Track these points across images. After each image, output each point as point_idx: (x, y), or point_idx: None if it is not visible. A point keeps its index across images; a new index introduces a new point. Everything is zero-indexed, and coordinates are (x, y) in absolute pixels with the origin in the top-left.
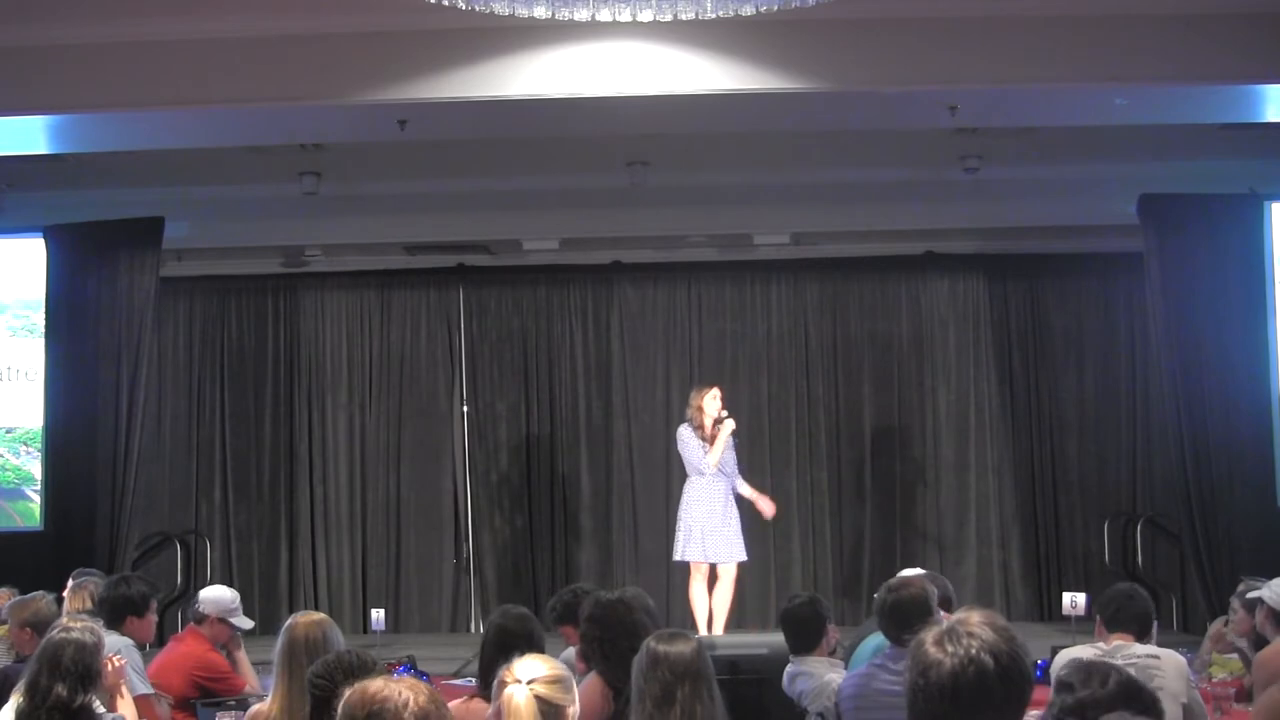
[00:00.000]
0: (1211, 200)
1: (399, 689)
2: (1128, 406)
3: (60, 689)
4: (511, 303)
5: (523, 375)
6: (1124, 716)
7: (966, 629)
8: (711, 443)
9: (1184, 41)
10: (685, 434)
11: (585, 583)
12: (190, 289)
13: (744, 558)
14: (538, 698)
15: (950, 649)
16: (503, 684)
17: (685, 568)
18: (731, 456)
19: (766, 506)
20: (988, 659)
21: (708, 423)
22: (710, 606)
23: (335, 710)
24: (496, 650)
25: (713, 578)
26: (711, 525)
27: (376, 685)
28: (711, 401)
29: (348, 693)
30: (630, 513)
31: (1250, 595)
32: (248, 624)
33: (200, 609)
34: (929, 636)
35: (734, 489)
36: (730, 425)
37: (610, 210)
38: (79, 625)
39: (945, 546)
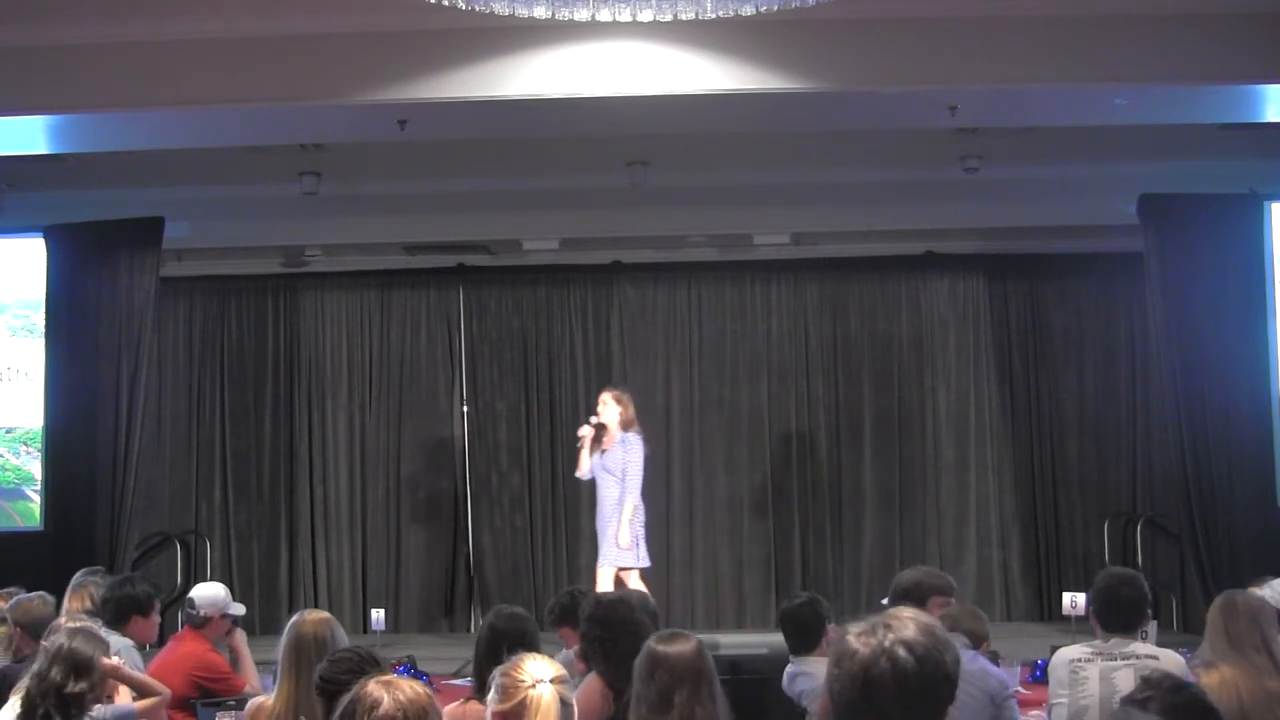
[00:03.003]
0: (1211, 200)
1: (376, 690)
2: (1128, 406)
3: (55, 674)
4: (511, 303)
5: (523, 375)
6: (1129, 713)
7: (887, 622)
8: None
9: (1184, 41)
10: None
11: (585, 584)
12: (190, 289)
13: (626, 565)
14: (560, 697)
15: (867, 639)
16: (518, 684)
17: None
18: (623, 468)
19: (620, 534)
20: (902, 652)
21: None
22: None
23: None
24: (491, 650)
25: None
26: (602, 529)
27: (368, 685)
28: (600, 406)
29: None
30: None
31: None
32: (241, 609)
33: (201, 613)
34: (853, 627)
35: (635, 495)
36: (582, 431)
37: (610, 210)
38: (78, 625)
39: (945, 546)
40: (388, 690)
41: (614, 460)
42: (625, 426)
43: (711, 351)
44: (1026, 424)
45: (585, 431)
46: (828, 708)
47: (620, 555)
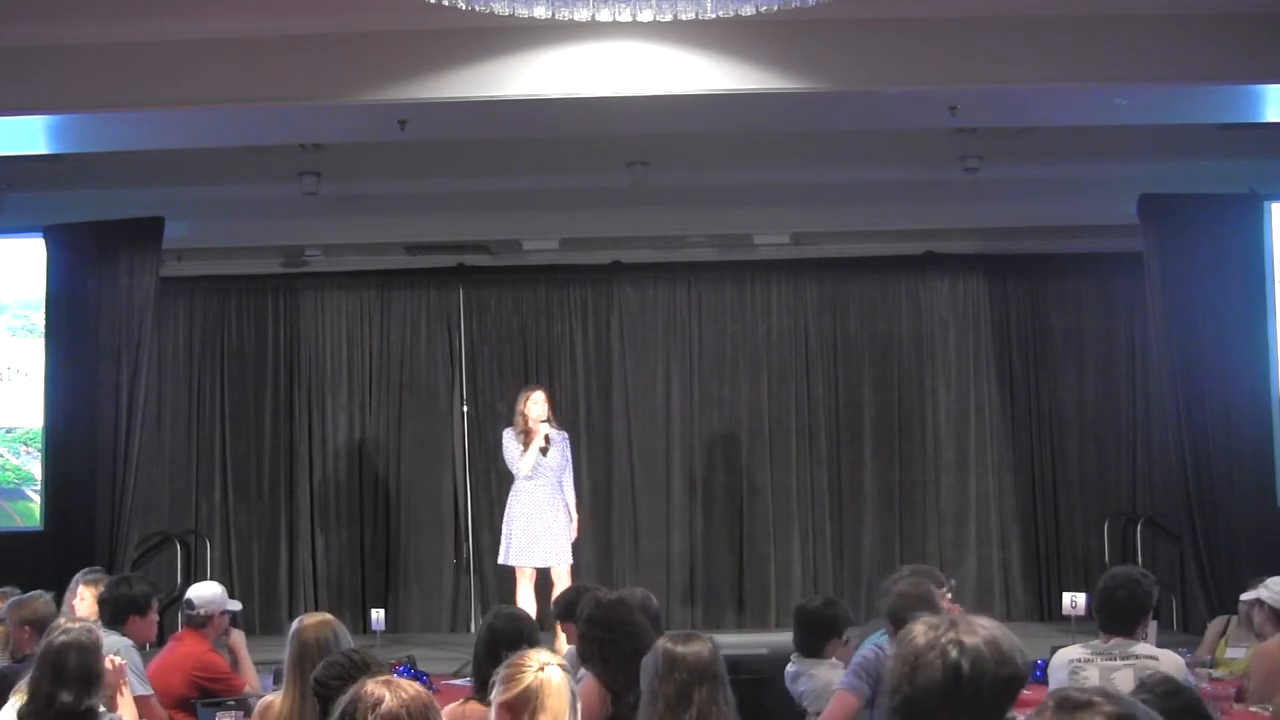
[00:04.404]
0: (1211, 200)
1: (377, 689)
2: (1128, 406)
3: (65, 696)
4: (511, 303)
5: (523, 375)
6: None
7: (957, 622)
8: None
9: (1184, 41)
10: (507, 437)
11: (588, 581)
12: (190, 289)
13: (569, 561)
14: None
15: (931, 634)
16: (523, 669)
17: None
18: (560, 463)
19: (572, 529)
20: (955, 654)
21: (533, 426)
22: (538, 610)
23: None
24: (490, 651)
25: (548, 582)
26: (534, 529)
27: (368, 684)
28: (533, 405)
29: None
30: (630, 513)
31: (1247, 596)
32: (237, 605)
33: (203, 612)
34: (924, 618)
35: (563, 494)
36: (543, 430)
37: (610, 210)
38: (77, 626)
39: (945, 546)
40: (389, 689)
41: (555, 459)
42: (550, 423)
43: (711, 351)
44: (1026, 424)
45: (551, 432)
46: (848, 705)
47: (570, 552)
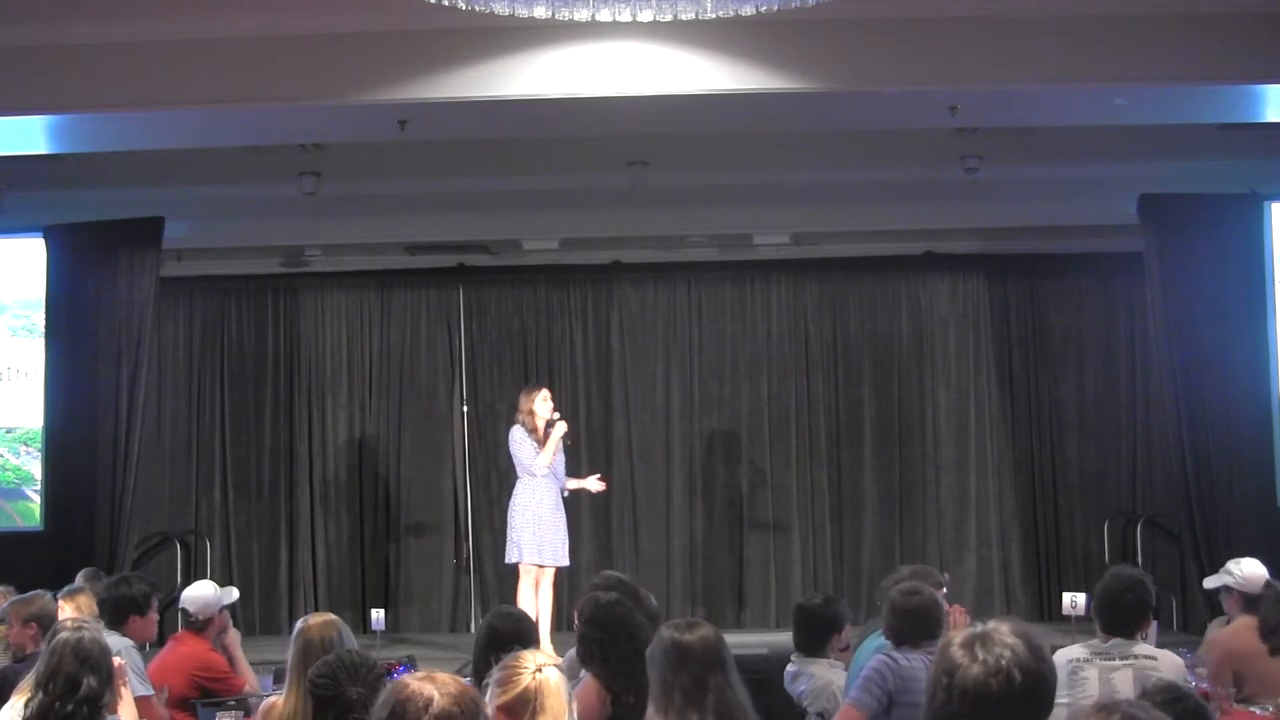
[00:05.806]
0: (1211, 200)
1: (426, 688)
2: (1128, 406)
3: (92, 680)
4: (511, 303)
5: (523, 375)
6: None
7: (1000, 638)
8: (543, 444)
9: (1184, 41)
10: (518, 435)
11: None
12: (190, 289)
13: (568, 562)
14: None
15: (980, 655)
16: (520, 671)
17: (555, 571)
18: (561, 459)
19: (595, 484)
20: (1016, 673)
21: (540, 425)
22: (537, 610)
23: (339, 709)
24: (488, 651)
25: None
26: (546, 527)
27: (413, 683)
28: (543, 404)
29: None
30: (630, 513)
31: (1211, 583)
32: (234, 595)
33: (199, 616)
34: (957, 639)
35: (563, 490)
36: (562, 427)
37: (610, 210)
38: (89, 626)
39: (945, 546)
40: (434, 685)
41: (559, 459)
42: (551, 425)
43: (711, 351)
44: (1026, 424)
45: (565, 427)
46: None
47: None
